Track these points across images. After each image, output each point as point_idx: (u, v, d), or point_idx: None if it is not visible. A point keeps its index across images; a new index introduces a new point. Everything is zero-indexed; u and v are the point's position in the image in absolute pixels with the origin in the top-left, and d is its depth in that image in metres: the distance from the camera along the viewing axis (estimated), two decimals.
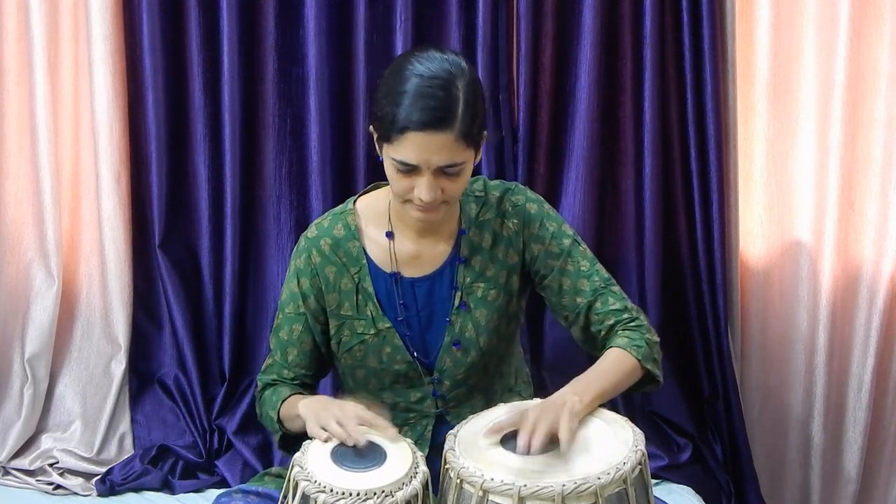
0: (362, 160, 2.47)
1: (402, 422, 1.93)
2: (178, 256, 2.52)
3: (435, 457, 1.79)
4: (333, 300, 1.89)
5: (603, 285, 1.88)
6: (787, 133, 2.54)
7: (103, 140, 2.44)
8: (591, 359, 1.85)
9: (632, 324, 1.85)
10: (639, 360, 1.79)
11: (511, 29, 2.43)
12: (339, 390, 2.20)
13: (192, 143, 2.49)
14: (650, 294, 2.52)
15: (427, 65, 1.68)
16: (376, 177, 2.21)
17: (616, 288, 1.90)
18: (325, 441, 1.64)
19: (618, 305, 1.86)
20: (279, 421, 1.87)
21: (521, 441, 1.57)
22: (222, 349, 2.53)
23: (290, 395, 1.88)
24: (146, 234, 2.53)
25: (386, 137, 1.70)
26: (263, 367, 1.97)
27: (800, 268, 2.57)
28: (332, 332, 1.91)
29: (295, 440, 1.82)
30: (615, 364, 1.78)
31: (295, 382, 1.92)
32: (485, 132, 1.77)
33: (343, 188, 2.43)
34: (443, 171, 1.69)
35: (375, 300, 1.88)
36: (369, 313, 1.88)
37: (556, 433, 1.56)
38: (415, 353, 1.89)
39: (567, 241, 1.89)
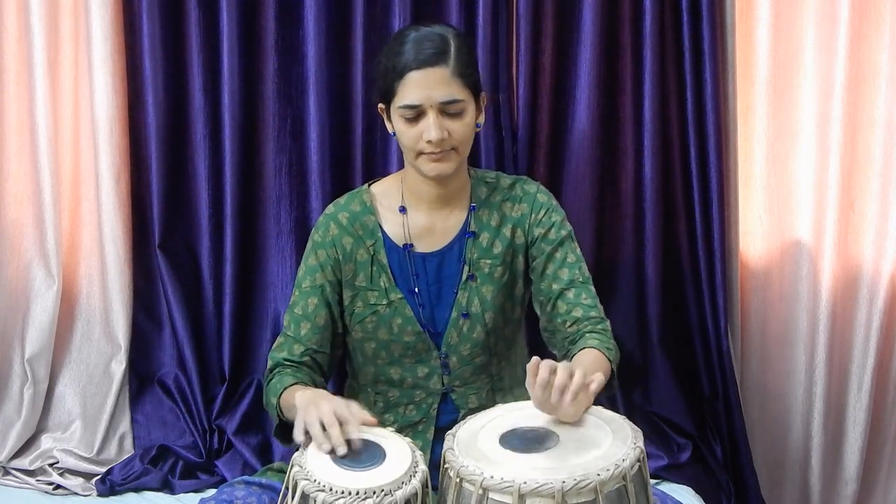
0: (361, 160, 2.47)
1: (409, 399, 2.00)
2: (178, 256, 2.52)
3: (438, 438, 1.80)
4: (349, 270, 1.98)
5: (581, 280, 1.97)
6: (787, 133, 2.54)
7: (103, 140, 2.44)
8: None
9: (599, 326, 1.92)
10: (610, 362, 1.85)
11: (511, 29, 2.43)
12: (340, 388, 2.20)
13: (192, 143, 2.49)
14: (650, 294, 2.52)
15: (421, 28, 1.89)
16: (375, 176, 2.22)
17: (592, 288, 1.98)
18: (305, 443, 1.63)
19: (588, 301, 1.95)
20: (279, 407, 1.88)
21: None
22: (222, 349, 2.53)
23: (293, 384, 1.88)
24: (146, 234, 2.52)
25: (391, 91, 1.86)
26: (275, 343, 2.00)
27: (800, 268, 2.57)
28: (345, 303, 1.98)
29: (291, 432, 1.82)
30: (597, 363, 1.82)
31: (304, 359, 1.94)
32: (482, 91, 1.93)
33: (343, 188, 2.42)
34: (445, 112, 1.84)
35: (389, 272, 1.97)
36: (382, 284, 1.97)
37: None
38: (424, 325, 1.97)
39: (564, 233, 2.01)
